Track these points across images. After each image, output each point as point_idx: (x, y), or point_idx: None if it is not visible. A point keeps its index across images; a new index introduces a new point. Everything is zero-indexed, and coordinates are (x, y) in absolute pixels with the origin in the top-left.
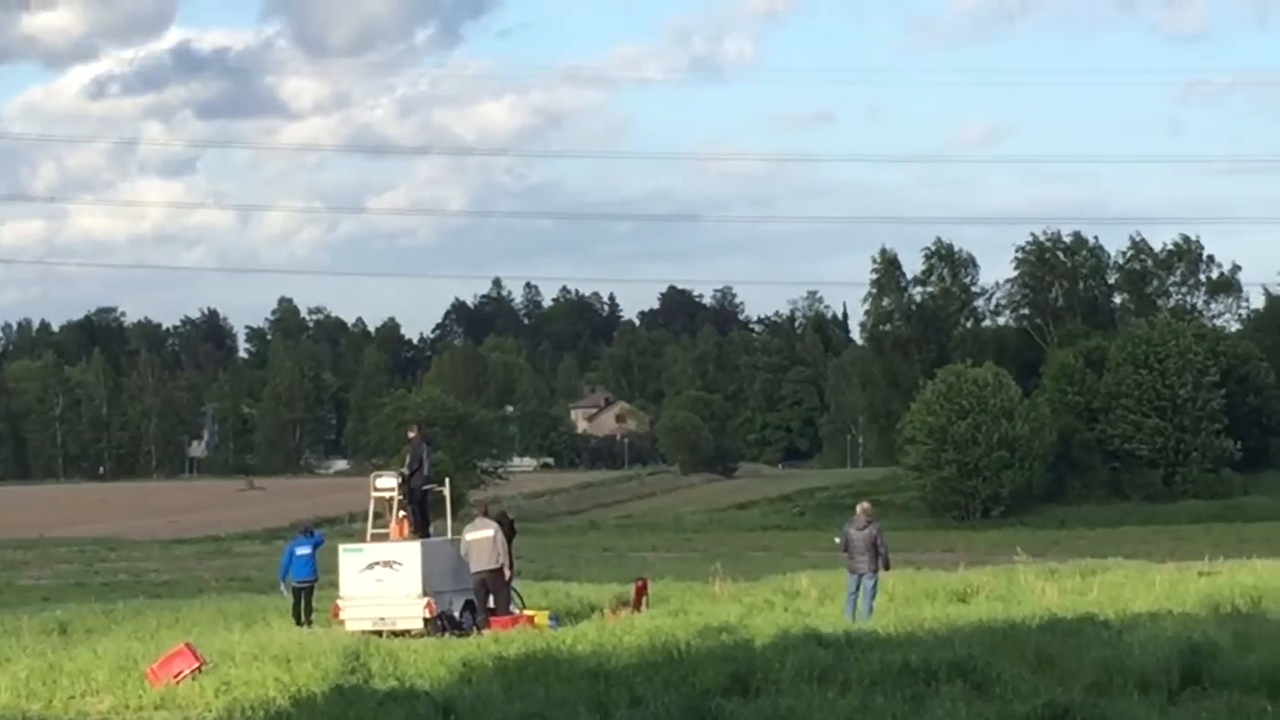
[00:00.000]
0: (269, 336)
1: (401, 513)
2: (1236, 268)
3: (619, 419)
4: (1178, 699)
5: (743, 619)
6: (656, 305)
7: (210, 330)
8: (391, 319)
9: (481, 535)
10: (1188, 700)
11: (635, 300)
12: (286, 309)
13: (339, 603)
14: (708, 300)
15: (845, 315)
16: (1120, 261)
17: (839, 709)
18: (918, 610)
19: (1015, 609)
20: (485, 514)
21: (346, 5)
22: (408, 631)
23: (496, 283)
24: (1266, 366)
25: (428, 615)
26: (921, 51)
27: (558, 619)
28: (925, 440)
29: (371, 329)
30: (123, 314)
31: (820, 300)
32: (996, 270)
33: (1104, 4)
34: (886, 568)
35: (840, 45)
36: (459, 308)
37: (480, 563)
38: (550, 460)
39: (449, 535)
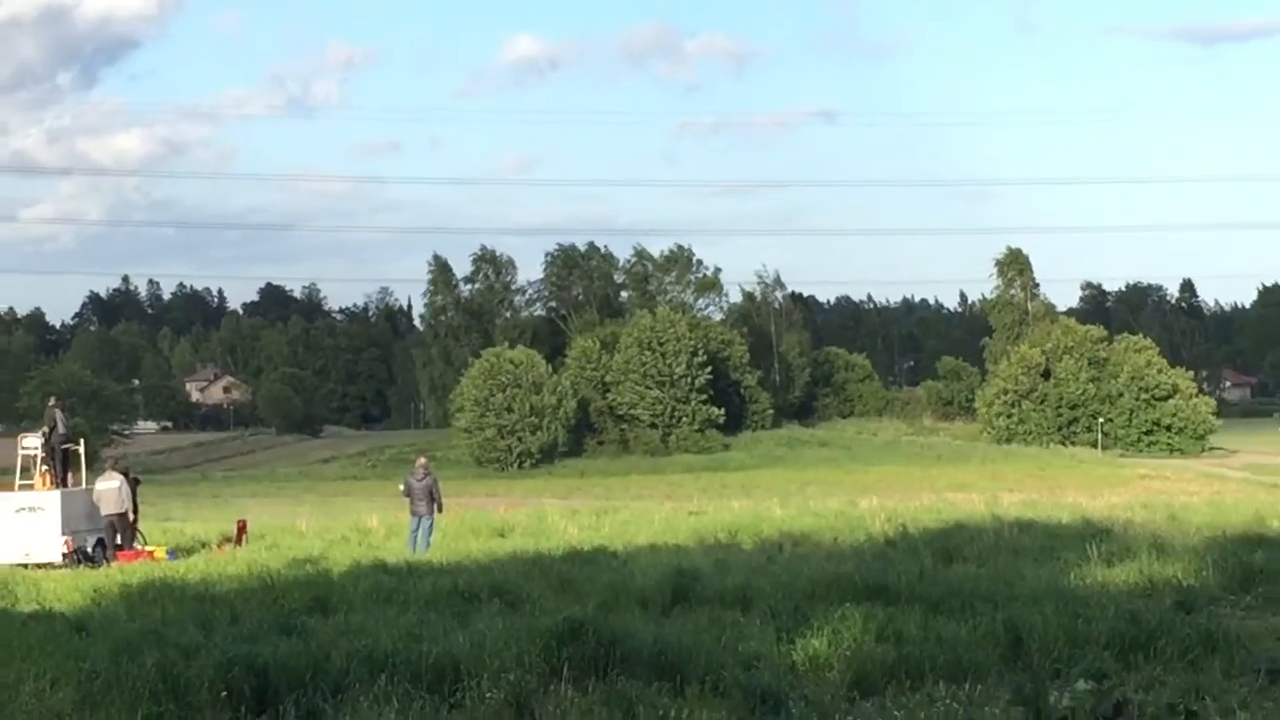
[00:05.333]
0: None
1: (44, 467)
2: (719, 270)
3: (226, 390)
4: (670, 613)
5: (324, 552)
6: (257, 298)
7: None
8: (37, 308)
9: (109, 485)
10: (678, 614)
11: (239, 294)
12: None
13: None
14: (298, 294)
15: (410, 307)
16: (628, 265)
17: (400, 623)
18: (465, 544)
19: (543, 542)
20: (114, 468)
21: (1, 50)
22: (50, 564)
23: (125, 279)
24: (743, 349)
25: (66, 551)
26: (472, 95)
27: (174, 553)
28: (473, 408)
29: (20, 316)
30: None
31: (390, 294)
32: (530, 271)
33: (616, 59)
34: (440, 510)
35: (407, 89)
36: (94, 299)
37: (108, 507)
38: (169, 424)
39: (84, 485)
